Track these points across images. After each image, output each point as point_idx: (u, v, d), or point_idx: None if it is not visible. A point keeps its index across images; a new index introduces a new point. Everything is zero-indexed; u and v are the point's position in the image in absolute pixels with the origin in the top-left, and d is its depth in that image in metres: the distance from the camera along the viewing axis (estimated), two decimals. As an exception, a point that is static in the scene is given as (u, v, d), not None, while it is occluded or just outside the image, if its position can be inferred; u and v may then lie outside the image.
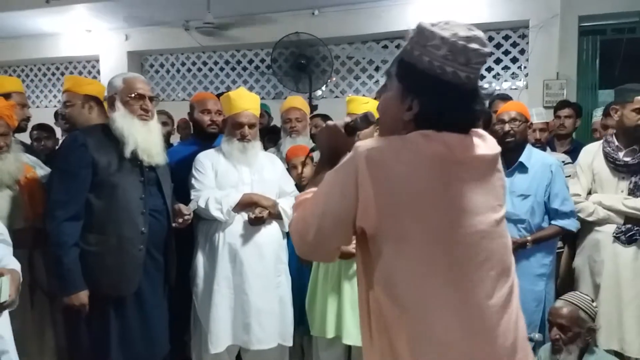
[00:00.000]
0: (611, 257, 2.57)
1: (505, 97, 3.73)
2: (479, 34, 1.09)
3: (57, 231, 2.09)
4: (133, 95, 2.24)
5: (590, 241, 2.66)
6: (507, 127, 2.58)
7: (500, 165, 1.21)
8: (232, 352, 2.58)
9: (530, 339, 2.37)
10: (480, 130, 1.19)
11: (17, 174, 2.20)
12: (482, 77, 5.12)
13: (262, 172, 2.62)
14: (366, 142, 1.09)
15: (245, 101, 2.58)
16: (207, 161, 2.58)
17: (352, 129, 1.29)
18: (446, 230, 1.07)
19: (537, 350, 2.31)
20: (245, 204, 2.51)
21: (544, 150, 3.13)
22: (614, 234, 2.56)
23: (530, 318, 2.43)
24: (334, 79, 5.76)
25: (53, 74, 7.06)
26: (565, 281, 2.96)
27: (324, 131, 1.31)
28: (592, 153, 2.72)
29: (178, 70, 6.41)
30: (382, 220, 1.06)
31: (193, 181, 2.56)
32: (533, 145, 2.91)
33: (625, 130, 2.58)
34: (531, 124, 2.90)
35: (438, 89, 1.08)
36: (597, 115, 3.68)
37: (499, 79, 5.29)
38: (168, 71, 6.47)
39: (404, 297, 1.07)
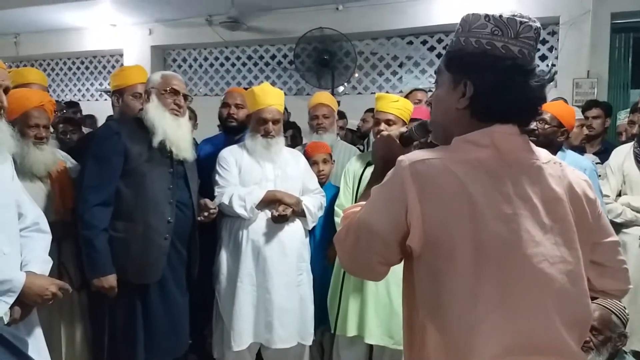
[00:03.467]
0: (636, 259, 2.52)
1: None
2: (524, 13, 1.05)
3: (88, 215, 2.12)
4: (168, 89, 2.30)
5: None
6: (532, 124, 2.50)
7: (582, 189, 1.08)
8: (252, 350, 2.56)
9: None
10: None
11: (51, 166, 2.23)
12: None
13: (286, 169, 2.59)
14: (410, 155, 1.03)
15: (270, 97, 2.54)
16: (231, 157, 2.56)
17: (408, 139, 1.23)
18: (499, 247, 0.97)
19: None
20: (269, 201, 2.48)
21: (582, 152, 3.03)
22: None
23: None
24: (356, 75, 5.70)
25: (78, 68, 7.15)
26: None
27: (378, 142, 1.25)
28: (624, 154, 2.69)
29: (201, 65, 6.43)
30: (429, 238, 0.99)
31: (217, 178, 2.54)
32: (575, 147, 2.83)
33: None
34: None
35: (490, 64, 1.02)
36: (621, 117, 3.57)
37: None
38: (191, 66, 6.49)
39: (448, 321, 0.99)
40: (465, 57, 1.05)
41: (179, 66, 6.52)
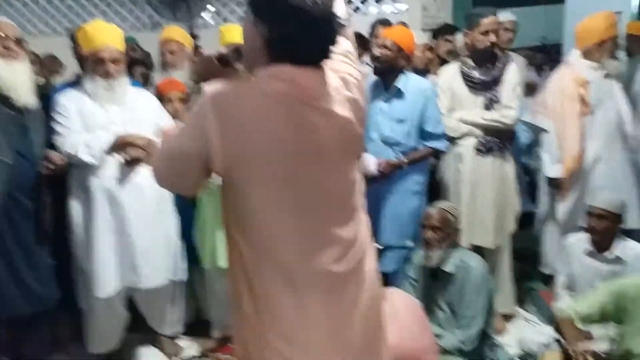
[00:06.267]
0: (472, 166, 2.84)
1: (385, 22, 3.76)
2: None
3: None
4: None
5: (453, 154, 2.91)
6: (377, 52, 2.68)
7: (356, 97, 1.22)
8: (122, 296, 2.53)
9: (404, 247, 2.67)
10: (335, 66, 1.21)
11: None
12: (364, 1, 5.16)
13: (135, 111, 2.48)
14: (214, 86, 1.10)
15: (105, 35, 2.37)
16: (70, 103, 2.39)
17: (226, 61, 1.29)
18: (294, 173, 1.11)
19: (411, 255, 2.58)
20: (119, 146, 2.39)
21: (425, 75, 3.25)
22: (475, 146, 2.82)
23: (406, 229, 2.68)
24: (211, 7, 5.46)
25: None
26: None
27: (198, 63, 1.31)
28: (451, 74, 2.91)
29: (37, 2, 5.72)
30: (229, 165, 1.09)
31: (56, 126, 2.37)
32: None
33: (477, 51, 2.79)
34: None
35: (283, 13, 1.08)
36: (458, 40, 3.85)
37: (380, 3, 5.33)
38: (25, 4, 5.75)
39: (254, 240, 1.14)
40: (264, 2, 1.10)
41: (10, 5, 5.75)
